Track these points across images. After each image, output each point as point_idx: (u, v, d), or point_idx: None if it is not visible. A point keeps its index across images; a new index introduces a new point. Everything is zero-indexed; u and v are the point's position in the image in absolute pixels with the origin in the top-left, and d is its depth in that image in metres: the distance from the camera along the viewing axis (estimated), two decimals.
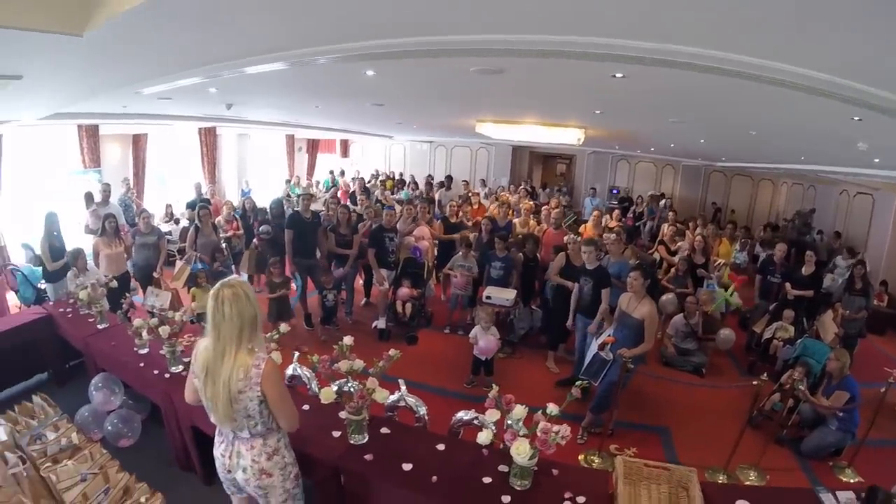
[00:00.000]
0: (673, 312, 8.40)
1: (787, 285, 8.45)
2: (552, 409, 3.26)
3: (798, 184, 17.07)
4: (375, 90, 7.31)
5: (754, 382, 5.18)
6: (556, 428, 3.15)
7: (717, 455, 5.40)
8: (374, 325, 8.61)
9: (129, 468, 4.23)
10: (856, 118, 4.87)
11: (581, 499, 3.19)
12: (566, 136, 11.07)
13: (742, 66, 3.58)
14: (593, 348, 6.16)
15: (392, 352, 3.81)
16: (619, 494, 3.11)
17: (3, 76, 4.80)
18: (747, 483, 5.25)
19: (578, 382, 3.67)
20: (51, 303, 7.10)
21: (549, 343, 8.00)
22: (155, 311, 6.70)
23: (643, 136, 12.86)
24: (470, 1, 3.08)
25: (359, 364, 3.71)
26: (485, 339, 6.71)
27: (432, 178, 17.20)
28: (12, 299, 8.75)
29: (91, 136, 11.76)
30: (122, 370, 5.30)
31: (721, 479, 5.22)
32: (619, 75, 4.68)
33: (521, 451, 3.14)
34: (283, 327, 4.55)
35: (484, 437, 3.42)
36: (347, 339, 3.83)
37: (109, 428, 5.11)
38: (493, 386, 3.57)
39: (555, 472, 3.46)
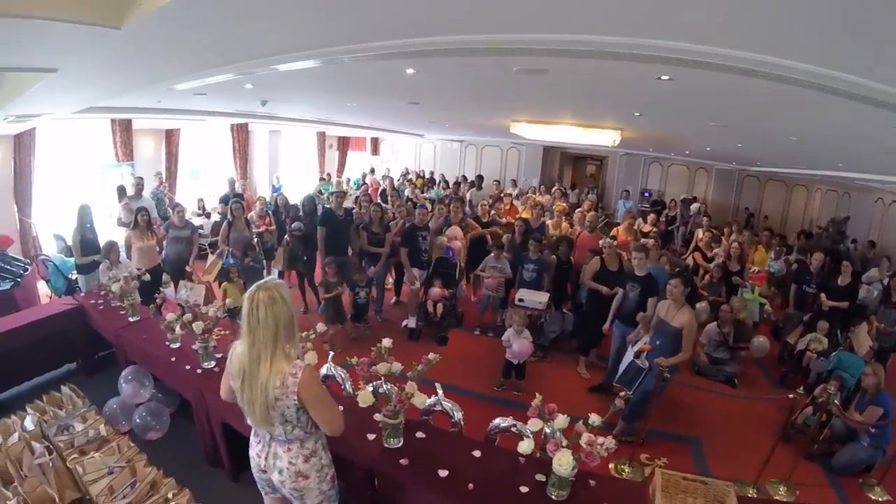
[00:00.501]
0: (706, 321, 8.23)
1: (823, 296, 8.26)
2: (594, 419, 3.19)
3: (832, 190, 16.73)
4: (413, 88, 7.24)
5: (790, 396, 5.15)
6: (601, 440, 3.09)
7: (747, 467, 5.29)
8: (403, 323, 8.55)
9: (156, 462, 4.21)
10: None
11: None
12: (602, 138, 10.91)
13: (797, 72, 3.51)
14: (629, 356, 6.05)
15: (431, 356, 3.73)
16: None
17: (39, 69, 4.78)
18: (777, 498, 5.16)
19: (623, 394, 3.62)
20: (82, 294, 7.10)
21: (580, 348, 7.88)
22: (188, 304, 6.70)
23: (680, 138, 12.63)
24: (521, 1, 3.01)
25: (397, 367, 3.63)
26: (518, 343, 6.60)
27: (465, 178, 16.99)
28: (42, 288, 8.82)
29: (124, 131, 11.85)
30: (153, 363, 5.27)
31: (750, 493, 5.06)
32: (664, 77, 4.59)
33: (563, 462, 3.07)
34: (320, 327, 4.47)
35: (525, 447, 3.34)
36: (386, 342, 3.73)
37: (138, 420, 5.06)
38: (536, 395, 3.46)
39: (592, 482, 3.38)
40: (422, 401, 3.71)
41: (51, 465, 3.95)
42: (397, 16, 3.46)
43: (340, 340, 7.71)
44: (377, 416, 3.82)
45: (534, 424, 3.34)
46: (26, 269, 7.85)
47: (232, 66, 5.20)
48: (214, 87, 6.94)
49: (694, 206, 16.61)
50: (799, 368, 7.63)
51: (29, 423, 4.47)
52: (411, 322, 8.44)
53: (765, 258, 11.02)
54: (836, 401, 5.67)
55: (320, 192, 14.65)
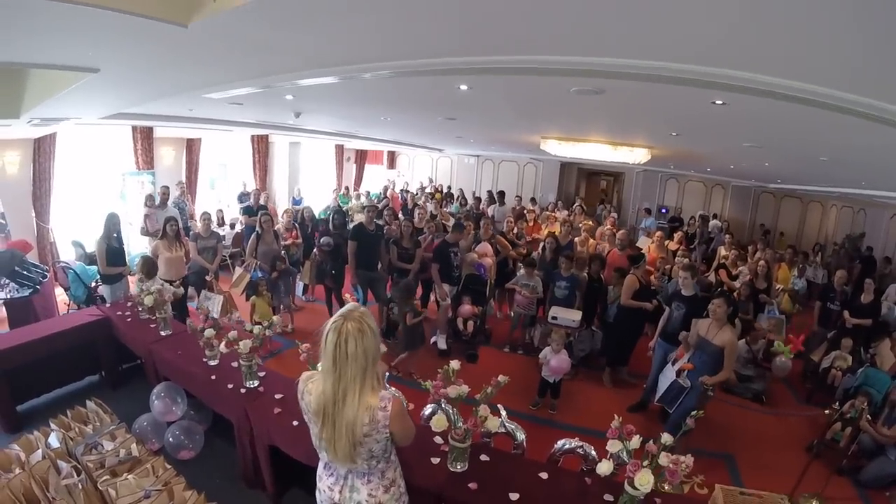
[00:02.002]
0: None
1: (846, 313, 8.29)
2: (667, 438, 3.15)
3: (848, 207, 16.73)
4: (459, 104, 7.23)
5: (826, 412, 5.45)
6: (682, 458, 3.10)
7: (781, 483, 5.16)
8: (432, 340, 8.38)
9: (192, 483, 4.04)
10: None
11: None
12: (631, 156, 10.85)
13: (853, 103, 3.64)
14: (669, 374, 6.07)
15: (501, 378, 3.59)
16: None
17: (80, 68, 4.66)
18: None
19: (695, 413, 3.55)
20: (107, 304, 6.93)
21: (608, 363, 7.90)
22: (208, 315, 6.53)
23: (708, 157, 12.64)
24: (590, 27, 3.05)
25: (464, 389, 3.49)
26: (556, 359, 6.50)
27: (491, 194, 16.76)
28: (60, 295, 8.67)
29: (145, 139, 11.77)
30: (189, 381, 5.11)
31: None
32: (718, 102, 4.67)
33: (643, 481, 3.04)
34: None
35: (605, 468, 3.26)
36: (454, 364, 3.61)
37: (171, 439, 4.93)
38: (616, 416, 3.38)
39: (658, 501, 3.37)
40: (496, 424, 3.63)
41: (79, 486, 3.76)
42: (474, 36, 3.45)
43: (417, 366, 7.43)
44: (437, 439, 3.79)
45: (613, 445, 3.26)
46: (45, 276, 7.72)
47: (291, 73, 5.10)
48: (251, 98, 6.87)
49: (713, 223, 16.51)
50: (824, 386, 7.61)
51: (54, 440, 4.30)
52: (441, 342, 8.30)
53: (788, 276, 11.01)
54: (867, 415, 5.74)
55: (339, 205, 14.59)
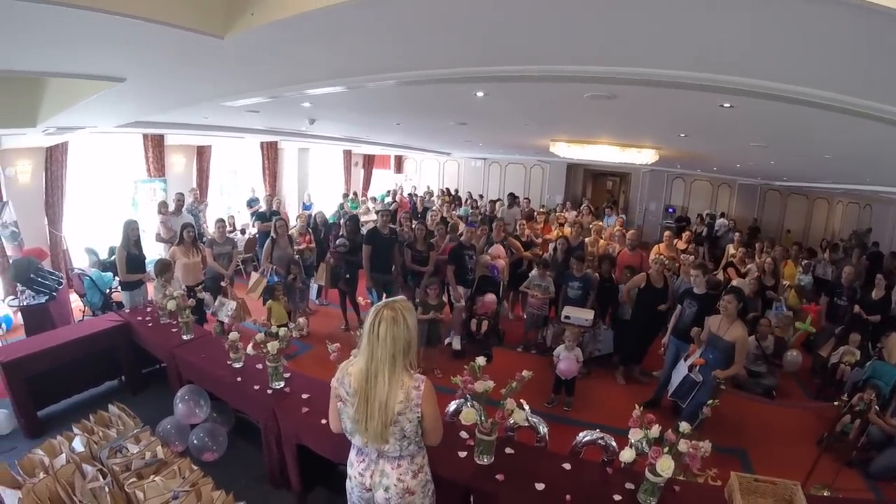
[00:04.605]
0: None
1: (856, 307, 8.39)
2: (685, 426, 3.31)
3: (854, 202, 16.81)
4: (473, 109, 7.32)
5: (835, 403, 5.34)
6: (701, 444, 3.20)
7: (792, 475, 5.12)
8: (447, 341, 8.44)
9: (217, 484, 4.06)
10: None
11: None
12: (639, 157, 10.96)
13: (859, 106, 3.73)
14: (682, 370, 6.18)
15: (525, 373, 3.72)
16: None
17: (107, 77, 4.67)
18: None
19: (711, 402, 3.79)
20: (126, 310, 6.99)
21: (620, 361, 8.02)
22: (225, 319, 6.60)
23: (715, 156, 12.72)
24: (606, 40, 3.18)
25: (489, 384, 3.60)
26: (565, 362, 6.63)
27: (513, 195, 16.70)
28: (75, 302, 8.73)
29: (156, 146, 11.88)
30: (214, 384, 5.17)
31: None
32: (726, 105, 4.79)
33: (665, 467, 3.15)
34: None
35: (628, 455, 3.44)
36: (480, 360, 3.72)
37: (195, 441, 4.98)
38: (637, 406, 3.53)
39: (676, 488, 3.47)
40: (522, 417, 3.75)
41: (106, 490, 3.75)
42: (494, 47, 3.52)
43: (437, 361, 7.72)
44: (463, 434, 3.92)
45: (635, 434, 3.39)
46: (60, 283, 7.77)
47: (316, 82, 5.15)
48: (268, 105, 6.94)
49: (720, 222, 16.54)
50: (833, 381, 7.65)
51: (78, 444, 4.28)
52: (456, 343, 8.36)
53: (794, 272, 11.06)
54: (875, 406, 5.76)
55: (342, 208, 14.74)
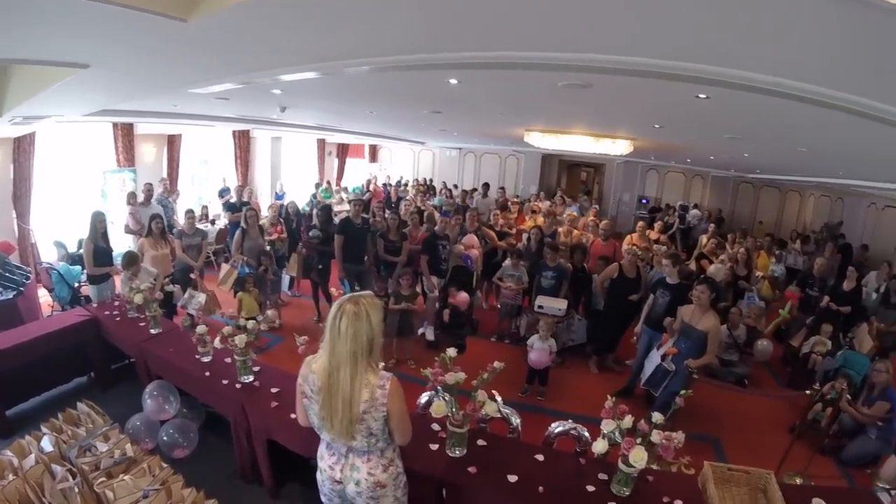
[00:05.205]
0: None
1: (826, 299, 8.47)
2: (657, 417, 3.29)
3: (826, 196, 17.02)
4: (446, 97, 7.27)
5: (807, 392, 5.51)
6: (674, 435, 3.22)
7: (765, 463, 5.24)
8: (420, 331, 8.41)
9: (188, 481, 3.97)
10: None
11: (678, 502, 3.28)
12: (614, 148, 11.01)
13: (833, 98, 3.75)
14: (655, 359, 6.26)
15: (497, 364, 3.67)
16: (712, 495, 3.24)
17: (69, 64, 4.60)
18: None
19: (684, 392, 3.68)
20: (94, 305, 6.84)
21: (594, 351, 8.07)
22: (194, 312, 6.49)
23: (689, 148, 12.82)
24: (582, 25, 3.14)
25: (461, 376, 3.56)
26: (536, 353, 6.70)
27: (487, 186, 16.56)
28: (44, 297, 8.57)
29: (126, 136, 11.62)
30: (183, 379, 5.08)
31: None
32: (702, 96, 4.79)
33: (638, 458, 3.17)
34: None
35: (601, 447, 3.43)
36: (451, 351, 3.67)
37: (165, 438, 4.88)
38: (609, 397, 3.55)
39: (649, 478, 3.51)
40: (494, 408, 3.71)
41: (75, 490, 3.66)
42: (467, 32, 3.50)
43: (411, 352, 7.72)
44: (435, 426, 3.91)
45: (607, 426, 3.40)
46: (28, 278, 7.63)
47: (284, 68, 5.08)
48: (238, 92, 6.84)
49: (693, 213, 16.67)
50: (805, 370, 7.73)
51: (46, 444, 4.17)
52: (430, 333, 8.36)
53: (767, 263, 11.19)
54: (847, 395, 5.90)
55: (315, 198, 14.67)
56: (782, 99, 3.88)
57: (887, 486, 3.22)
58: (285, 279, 10.11)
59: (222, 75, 5.63)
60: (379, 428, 2.78)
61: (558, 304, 7.66)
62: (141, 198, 10.23)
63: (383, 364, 2.91)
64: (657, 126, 8.31)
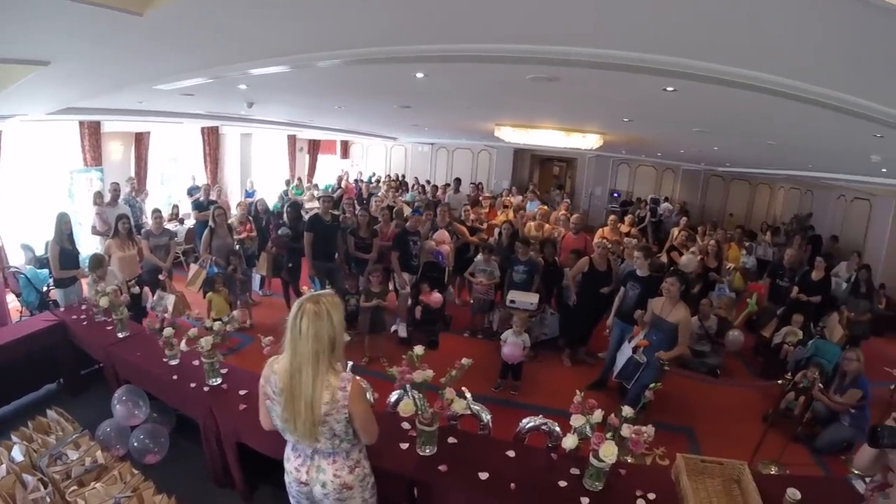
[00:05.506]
0: None
1: (795, 289, 8.54)
2: (627, 410, 3.31)
3: (795, 188, 17.31)
4: (414, 92, 7.26)
5: (779, 382, 5.58)
6: (644, 429, 3.25)
7: (740, 453, 5.26)
8: (392, 329, 8.41)
9: (160, 487, 3.96)
10: (878, 135, 5.10)
11: (651, 495, 3.28)
12: (584, 142, 11.07)
13: (798, 90, 3.81)
14: (626, 351, 6.26)
15: (465, 361, 3.65)
16: (685, 488, 3.23)
17: (30, 62, 4.54)
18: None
19: (654, 386, 3.78)
20: (61, 309, 6.73)
21: (566, 344, 8.09)
22: (162, 314, 6.41)
23: (659, 141, 12.92)
24: (546, 16, 3.11)
25: (429, 374, 3.55)
26: (508, 347, 6.70)
27: (459, 181, 16.51)
28: (11, 302, 8.36)
29: (93, 134, 11.40)
30: (151, 383, 5.01)
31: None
32: (669, 89, 4.80)
33: (608, 453, 3.17)
34: (345, 337, 4.27)
35: (570, 442, 3.48)
36: (418, 349, 3.69)
37: (135, 444, 4.81)
38: (577, 392, 3.55)
39: (622, 471, 3.52)
40: (462, 406, 3.70)
41: (47, 499, 3.65)
42: (431, 23, 3.49)
43: (384, 349, 7.67)
44: (405, 425, 3.88)
45: (576, 420, 3.42)
46: None
47: (246, 62, 5.04)
48: (203, 88, 6.74)
49: (664, 206, 16.84)
50: (777, 360, 7.80)
51: (17, 454, 4.12)
52: (402, 330, 8.33)
53: (738, 255, 11.29)
54: (819, 384, 5.94)
55: (285, 195, 14.61)
56: (750, 92, 3.92)
57: (861, 474, 3.24)
58: (256, 278, 10.00)
59: (185, 70, 5.59)
60: (342, 429, 2.75)
61: (530, 299, 7.66)
62: (108, 198, 10.06)
63: (352, 363, 2.88)
64: (626, 120, 8.36)
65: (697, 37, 3.12)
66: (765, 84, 3.72)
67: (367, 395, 4.44)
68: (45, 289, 8.09)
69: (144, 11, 3.03)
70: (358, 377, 4.52)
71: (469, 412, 4.01)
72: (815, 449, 6.07)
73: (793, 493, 3.13)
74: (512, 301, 7.63)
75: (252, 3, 3.17)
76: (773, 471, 5.42)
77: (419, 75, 5.49)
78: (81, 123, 11.08)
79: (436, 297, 8.08)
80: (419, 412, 3.56)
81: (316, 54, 4.45)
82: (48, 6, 2.81)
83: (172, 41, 4.06)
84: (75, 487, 3.80)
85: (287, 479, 3.02)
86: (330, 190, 16.03)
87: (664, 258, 10.51)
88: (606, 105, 7.08)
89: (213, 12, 3.28)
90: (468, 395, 3.95)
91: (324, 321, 2.60)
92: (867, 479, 3.15)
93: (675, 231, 11.83)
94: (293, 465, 2.96)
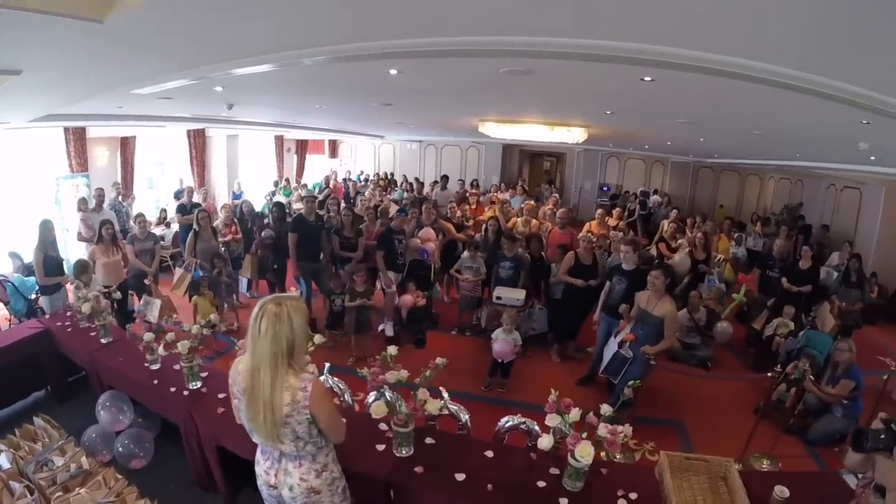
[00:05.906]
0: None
1: (784, 280, 8.54)
2: (606, 409, 3.30)
3: (785, 178, 17.23)
4: (391, 89, 7.19)
5: (769, 374, 5.50)
6: (620, 428, 3.22)
7: (731, 446, 5.43)
8: (380, 328, 8.40)
9: (145, 492, 3.97)
10: (864, 122, 5.03)
11: (633, 495, 3.26)
12: (568, 136, 11.05)
13: (775, 75, 3.73)
14: (613, 346, 6.24)
15: (439, 360, 3.65)
16: (668, 486, 3.17)
17: (1, 71, 4.51)
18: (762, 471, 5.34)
19: (633, 383, 3.87)
20: (47, 316, 6.72)
21: (554, 339, 8.08)
22: (152, 320, 6.40)
23: (645, 134, 12.91)
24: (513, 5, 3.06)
25: (404, 374, 3.56)
26: (499, 343, 6.67)
27: (447, 178, 16.55)
28: (0, 310, 8.35)
29: (78, 140, 11.34)
30: (133, 388, 5.00)
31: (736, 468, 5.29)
32: (647, 78, 4.73)
33: (584, 453, 3.15)
34: (318, 338, 4.26)
35: (546, 443, 3.46)
36: (392, 349, 3.70)
37: (120, 449, 4.82)
38: (553, 391, 3.52)
39: (603, 471, 3.49)
40: (437, 407, 3.67)
41: None
42: (396, 17, 3.44)
43: (371, 349, 7.53)
44: (382, 426, 3.84)
45: (552, 419, 3.41)
46: None
47: (216, 64, 5.00)
48: (181, 91, 6.69)
49: (654, 199, 16.86)
50: (768, 352, 7.76)
51: (4, 461, 4.15)
52: (389, 329, 8.30)
53: (727, 246, 11.32)
54: (810, 375, 5.90)
55: (273, 196, 14.58)
56: (730, 80, 3.88)
57: (853, 470, 3.23)
58: (243, 281, 10.00)
59: (158, 73, 5.54)
60: (304, 431, 2.74)
61: (517, 295, 7.64)
62: (92, 204, 10.02)
63: (329, 364, 2.86)
64: (608, 112, 8.31)
65: (667, 23, 3.09)
66: (742, 70, 3.68)
67: (347, 397, 4.48)
68: (32, 296, 8.07)
69: (104, 17, 3.01)
70: (336, 378, 4.57)
71: (445, 412, 4.01)
72: (808, 441, 6.04)
73: (780, 490, 3.11)
74: (498, 297, 7.62)
75: (211, 6, 3.15)
76: (766, 464, 5.44)
77: (392, 72, 5.45)
78: (66, 129, 11.02)
79: (405, 298, 8.04)
80: (395, 413, 3.55)
81: (283, 54, 4.41)
82: (6, 18, 2.80)
83: (137, 46, 4.03)
84: (60, 493, 3.82)
85: (258, 481, 3.02)
86: (317, 190, 16.02)
87: (654, 251, 10.56)
88: (586, 98, 7.04)
89: (173, 16, 3.26)
90: (445, 394, 3.95)
91: (284, 323, 2.59)
92: (859, 475, 3.15)
93: (665, 223, 11.84)
94: (262, 468, 2.97)
